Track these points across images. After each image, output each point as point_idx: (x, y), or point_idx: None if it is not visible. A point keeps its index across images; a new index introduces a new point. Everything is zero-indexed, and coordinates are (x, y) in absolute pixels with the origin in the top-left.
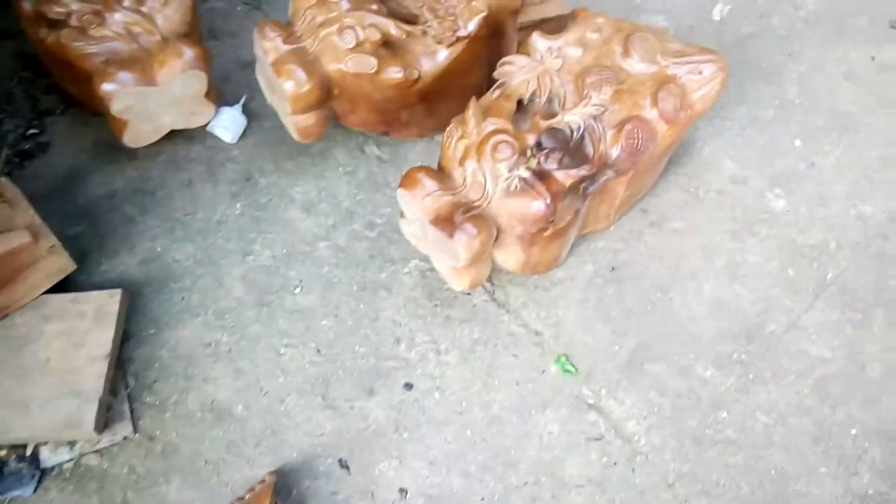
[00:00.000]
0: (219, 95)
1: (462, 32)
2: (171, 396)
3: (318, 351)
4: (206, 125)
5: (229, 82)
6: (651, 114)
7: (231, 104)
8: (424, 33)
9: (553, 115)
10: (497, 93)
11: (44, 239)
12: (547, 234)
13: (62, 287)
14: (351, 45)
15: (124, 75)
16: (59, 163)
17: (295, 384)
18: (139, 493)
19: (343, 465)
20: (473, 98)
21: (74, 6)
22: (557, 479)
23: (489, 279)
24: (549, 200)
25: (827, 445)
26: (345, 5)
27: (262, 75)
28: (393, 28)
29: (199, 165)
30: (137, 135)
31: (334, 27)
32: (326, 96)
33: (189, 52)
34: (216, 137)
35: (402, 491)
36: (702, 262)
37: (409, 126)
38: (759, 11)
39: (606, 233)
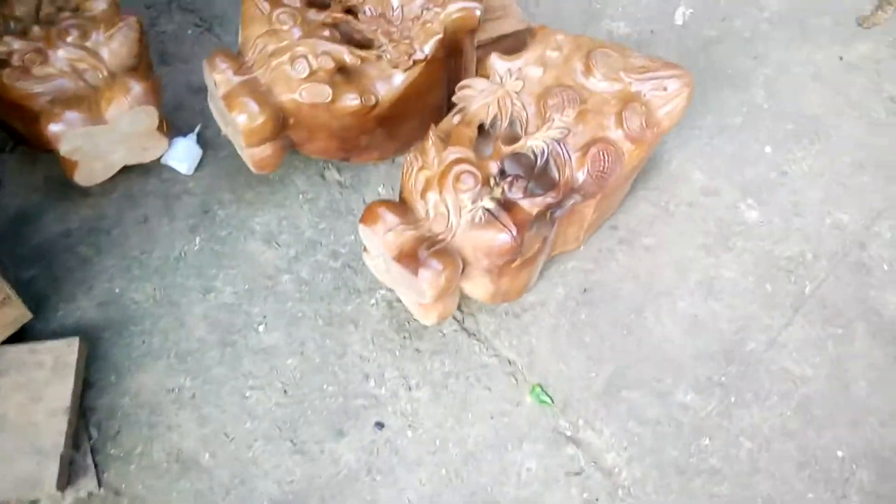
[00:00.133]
0: (171, 127)
1: (418, 55)
2: (136, 447)
3: (285, 392)
4: (160, 158)
5: (182, 109)
6: (616, 134)
7: (185, 133)
8: (380, 58)
9: (516, 139)
10: (457, 118)
11: None
12: (515, 265)
13: (18, 334)
14: (304, 75)
15: (71, 115)
16: (9, 203)
17: (262, 429)
18: None
19: None
20: (432, 126)
21: (16, 45)
22: None
23: (458, 307)
24: (515, 232)
25: (813, 470)
26: (296, 33)
27: (215, 107)
28: (347, 55)
29: (155, 200)
30: (89, 174)
31: (286, 56)
32: (282, 127)
33: (137, 87)
34: (172, 169)
35: None
36: (675, 280)
37: (369, 150)
38: (721, 14)
39: (576, 253)
